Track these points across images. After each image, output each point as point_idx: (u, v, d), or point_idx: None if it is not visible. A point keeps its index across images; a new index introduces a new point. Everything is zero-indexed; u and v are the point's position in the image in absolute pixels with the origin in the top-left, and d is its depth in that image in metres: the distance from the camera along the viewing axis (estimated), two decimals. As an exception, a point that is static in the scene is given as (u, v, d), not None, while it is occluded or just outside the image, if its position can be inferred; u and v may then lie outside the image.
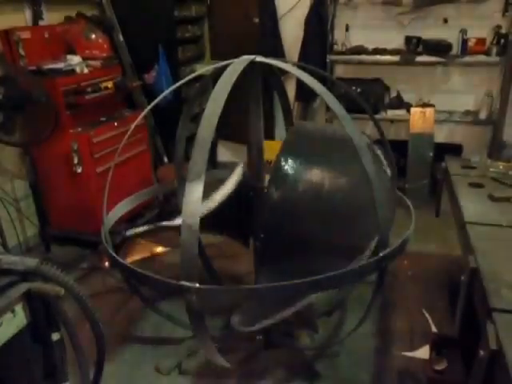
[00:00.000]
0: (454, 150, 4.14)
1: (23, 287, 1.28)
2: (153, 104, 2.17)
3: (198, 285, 1.53)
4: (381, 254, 1.77)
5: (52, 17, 3.47)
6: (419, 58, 3.98)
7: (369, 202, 1.71)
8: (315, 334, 2.54)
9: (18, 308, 1.30)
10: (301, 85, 4.26)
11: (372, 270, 1.82)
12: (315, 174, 2.03)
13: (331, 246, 1.92)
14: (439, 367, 1.98)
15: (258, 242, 2.14)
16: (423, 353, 2.32)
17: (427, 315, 2.67)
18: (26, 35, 3.11)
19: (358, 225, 1.95)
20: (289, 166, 2.03)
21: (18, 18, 3.22)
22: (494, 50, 3.84)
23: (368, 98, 4.01)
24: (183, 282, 1.53)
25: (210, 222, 1.85)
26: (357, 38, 4.24)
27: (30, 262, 1.27)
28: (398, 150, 3.66)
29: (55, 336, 1.41)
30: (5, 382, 1.32)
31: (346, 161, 2.02)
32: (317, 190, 2.01)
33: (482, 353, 1.30)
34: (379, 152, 2.16)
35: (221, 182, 2.15)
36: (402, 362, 2.34)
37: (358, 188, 1.91)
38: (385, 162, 2.11)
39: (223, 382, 2.25)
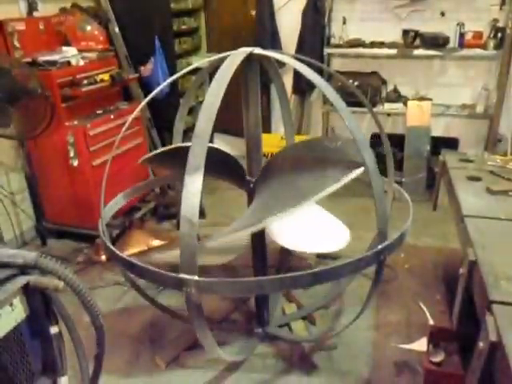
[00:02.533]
0: (451, 143, 4.16)
1: (22, 280, 1.27)
2: (149, 97, 2.15)
3: (197, 277, 1.52)
4: (379, 247, 1.78)
5: (47, 8, 3.44)
6: (416, 52, 3.98)
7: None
8: (313, 325, 2.56)
9: (17, 301, 1.28)
10: (298, 78, 4.25)
11: (370, 263, 1.82)
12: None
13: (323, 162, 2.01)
14: (436, 359, 1.99)
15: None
16: (420, 345, 2.34)
17: (424, 308, 2.68)
18: (20, 26, 3.08)
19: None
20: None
21: (12, 9, 3.18)
22: (491, 43, 3.84)
23: (365, 91, 4.00)
24: (182, 275, 1.52)
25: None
26: (354, 31, 4.23)
27: (30, 255, 1.25)
28: (394, 143, 3.66)
29: (54, 329, 1.40)
30: (3, 376, 1.31)
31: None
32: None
33: (481, 344, 1.31)
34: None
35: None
36: (400, 354, 2.35)
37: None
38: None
39: (221, 375, 2.26)
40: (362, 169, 1.83)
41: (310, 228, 2.26)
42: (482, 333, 1.35)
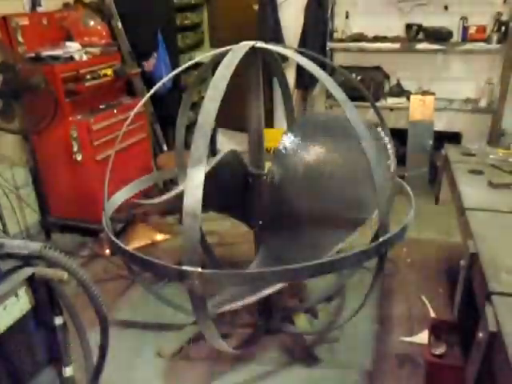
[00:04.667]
0: (453, 138, 4.15)
1: (27, 271, 1.29)
2: (152, 91, 2.16)
3: (200, 269, 1.54)
4: (381, 240, 1.79)
5: (50, 3, 3.45)
6: (419, 46, 3.97)
7: (366, 174, 1.74)
8: (315, 319, 2.58)
9: (22, 292, 1.31)
10: (300, 72, 4.24)
11: (372, 256, 1.83)
12: (312, 152, 2.25)
13: (329, 220, 2.01)
14: (438, 352, 2.00)
15: (257, 225, 2.24)
16: (422, 338, 2.35)
17: (426, 301, 2.69)
18: (24, 22, 3.10)
19: (354, 197, 2.00)
20: (289, 145, 2.32)
21: (16, 5, 3.20)
22: (495, 37, 3.82)
23: (368, 85, 4.00)
24: (185, 267, 1.54)
25: (214, 202, 1.86)
26: (357, 26, 4.22)
27: (34, 245, 1.27)
28: (397, 138, 3.66)
29: (58, 320, 1.42)
30: (9, 366, 1.33)
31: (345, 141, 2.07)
32: (312, 168, 2.24)
33: (480, 335, 1.32)
34: (383, 134, 2.19)
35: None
36: (401, 346, 2.37)
37: (355, 162, 1.95)
38: (389, 146, 2.13)
39: (224, 367, 2.28)
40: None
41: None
42: (481, 323, 1.36)
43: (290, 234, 2.11)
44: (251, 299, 1.80)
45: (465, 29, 3.91)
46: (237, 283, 1.73)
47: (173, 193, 2.06)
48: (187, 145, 2.45)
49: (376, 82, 4.16)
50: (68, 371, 1.46)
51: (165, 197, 2.05)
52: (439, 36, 3.91)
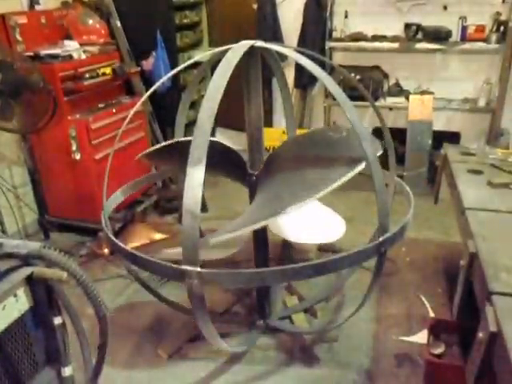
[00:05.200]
0: (452, 137, 4.15)
1: (26, 271, 1.29)
2: (151, 90, 2.15)
3: (199, 269, 1.53)
4: (380, 239, 1.78)
5: (48, 2, 3.44)
6: (418, 45, 3.97)
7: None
8: (314, 318, 2.58)
9: (21, 292, 1.30)
10: (300, 72, 4.24)
11: (371, 255, 1.83)
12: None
13: (327, 159, 2.01)
14: (437, 351, 2.00)
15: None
16: (421, 337, 2.35)
17: (425, 300, 2.69)
18: (22, 20, 3.09)
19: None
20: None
21: (14, 3, 3.19)
22: (494, 37, 3.82)
23: (367, 85, 4.00)
24: (185, 266, 1.53)
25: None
26: (356, 25, 4.22)
27: (33, 245, 1.27)
28: (396, 137, 3.64)
29: (57, 320, 1.42)
30: (7, 366, 1.33)
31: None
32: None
33: (481, 335, 1.32)
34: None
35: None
36: (400, 346, 2.37)
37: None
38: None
39: (223, 366, 2.28)
40: (363, 164, 1.81)
41: (308, 220, 2.29)
42: (481, 323, 1.36)
43: (283, 175, 2.08)
44: (248, 229, 1.74)
45: (464, 28, 3.92)
46: (236, 283, 1.72)
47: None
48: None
49: (375, 81, 4.16)
50: (67, 371, 1.46)
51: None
52: (438, 36, 3.91)
